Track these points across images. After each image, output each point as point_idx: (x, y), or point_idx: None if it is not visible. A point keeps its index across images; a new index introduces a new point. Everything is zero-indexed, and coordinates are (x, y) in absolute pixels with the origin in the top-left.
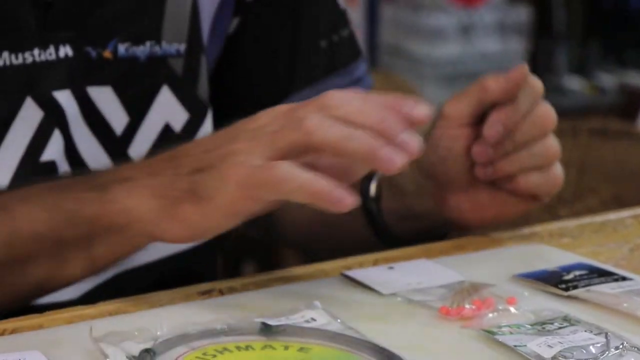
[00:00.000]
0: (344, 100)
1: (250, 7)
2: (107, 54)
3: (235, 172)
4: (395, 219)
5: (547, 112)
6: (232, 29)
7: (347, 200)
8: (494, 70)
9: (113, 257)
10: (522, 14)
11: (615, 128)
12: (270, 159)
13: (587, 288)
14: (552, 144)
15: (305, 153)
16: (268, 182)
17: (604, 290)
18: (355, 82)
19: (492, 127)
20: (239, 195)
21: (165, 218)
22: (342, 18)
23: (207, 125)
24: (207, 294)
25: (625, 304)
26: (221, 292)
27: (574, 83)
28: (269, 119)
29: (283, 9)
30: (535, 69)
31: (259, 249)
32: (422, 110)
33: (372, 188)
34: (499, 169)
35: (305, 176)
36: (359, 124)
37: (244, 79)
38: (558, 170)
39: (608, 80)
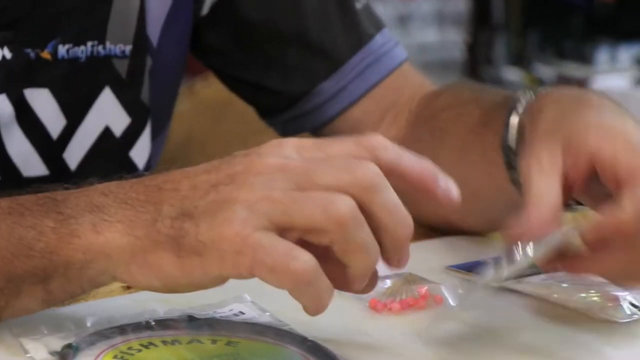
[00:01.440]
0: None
1: None
2: (46, 54)
3: (230, 231)
4: None
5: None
6: (206, 10)
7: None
8: (432, 62)
9: (71, 293)
10: (460, 4)
11: None
12: (278, 225)
13: (519, 279)
14: None
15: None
16: (267, 262)
17: (536, 281)
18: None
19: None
20: (230, 261)
21: (136, 262)
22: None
23: (148, 131)
24: (132, 287)
25: (555, 295)
26: None
27: (513, 74)
28: (293, 166)
29: None
30: (474, 60)
31: None
32: (453, 191)
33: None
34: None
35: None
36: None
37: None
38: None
39: (547, 71)
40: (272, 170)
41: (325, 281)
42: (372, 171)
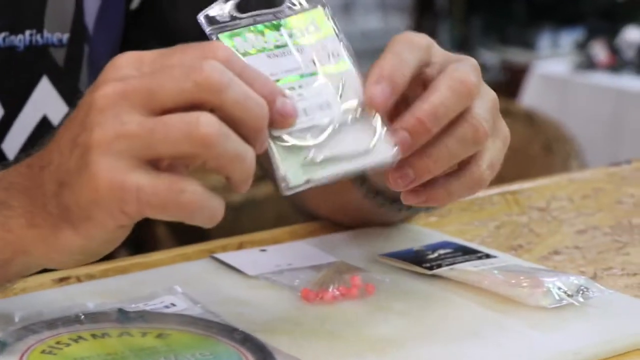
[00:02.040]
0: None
1: None
2: None
3: (102, 185)
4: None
5: (459, 81)
6: (136, 4)
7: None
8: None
9: None
10: None
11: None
12: (145, 160)
13: (451, 267)
14: (479, 119)
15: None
16: (154, 202)
17: (467, 268)
18: None
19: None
20: (118, 213)
21: (51, 248)
22: None
23: None
24: (63, 281)
25: (486, 282)
26: (78, 279)
27: None
28: (133, 88)
29: None
30: None
31: (131, 235)
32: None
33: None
34: (420, 171)
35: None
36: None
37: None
38: (483, 167)
39: (490, 57)
40: (113, 100)
41: (215, 199)
42: (214, 69)
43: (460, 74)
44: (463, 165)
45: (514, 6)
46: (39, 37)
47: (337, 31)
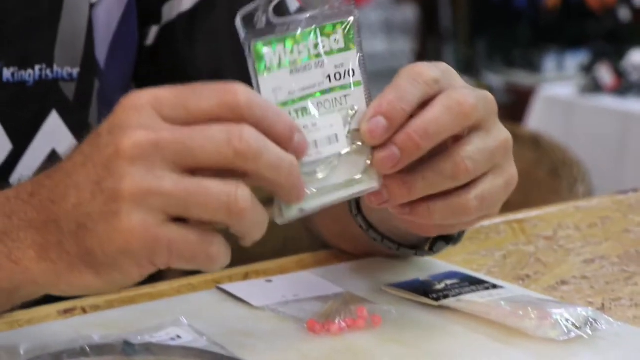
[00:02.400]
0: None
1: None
2: None
3: (134, 237)
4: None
5: (455, 101)
6: (151, 40)
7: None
8: (381, 71)
9: (1, 310)
10: (409, 13)
11: None
12: (175, 216)
13: (458, 297)
14: (464, 155)
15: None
16: (185, 254)
17: (474, 299)
18: None
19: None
20: (147, 263)
21: (63, 282)
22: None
23: None
24: (68, 312)
25: (493, 313)
26: (84, 310)
27: None
28: (167, 142)
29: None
30: None
31: None
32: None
33: (353, 204)
34: (395, 195)
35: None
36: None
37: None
38: (470, 195)
39: (495, 79)
40: (145, 152)
41: (228, 250)
42: (250, 137)
43: (459, 95)
44: (450, 191)
45: (518, 28)
46: (48, 71)
47: (359, 47)
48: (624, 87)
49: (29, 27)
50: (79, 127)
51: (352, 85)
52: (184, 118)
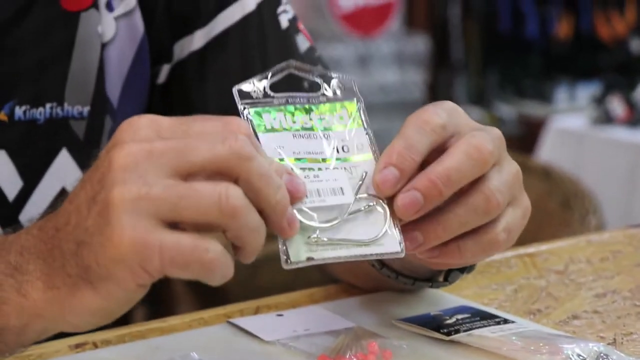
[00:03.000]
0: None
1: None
2: (3, 116)
3: (125, 243)
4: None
5: (474, 148)
6: (163, 78)
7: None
8: (393, 102)
9: (11, 351)
10: (420, 45)
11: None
12: (166, 222)
13: (469, 332)
14: (492, 189)
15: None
16: (178, 261)
17: (485, 334)
18: None
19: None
20: (140, 271)
21: (67, 311)
22: (306, 60)
23: None
24: (80, 347)
25: (505, 348)
26: (95, 345)
27: (474, 114)
28: (160, 149)
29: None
30: (435, 100)
31: (149, 293)
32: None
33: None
34: (429, 237)
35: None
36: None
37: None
38: (498, 229)
39: (507, 110)
40: (137, 159)
41: (229, 258)
42: (245, 139)
43: (477, 141)
44: (479, 227)
45: (530, 59)
46: (59, 109)
47: (365, 125)
48: (635, 118)
49: (41, 66)
50: (89, 165)
51: (361, 158)
52: (183, 135)
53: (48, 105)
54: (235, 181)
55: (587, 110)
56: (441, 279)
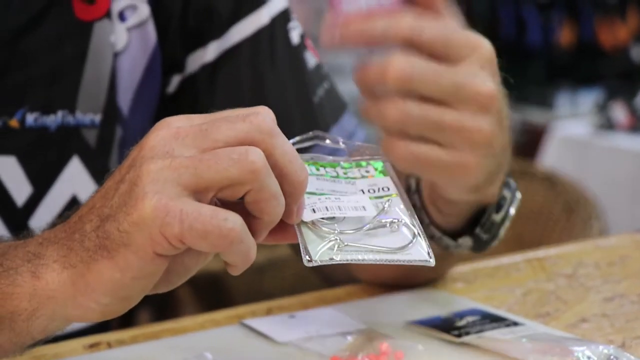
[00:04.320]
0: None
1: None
2: (14, 123)
3: (148, 208)
4: (441, 219)
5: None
6: (173, 88)
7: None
8: None
9: (21, 345)
10: None
11: (515, 167)
12: (191, 189)
13: (480, 334)
14: (480, 119)
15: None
16: (197, 228)
17: (496, 336)
18: (349, 137)
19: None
20: (159, 237)
21: (80, 291)
22: (314, 77)
23: None
24: (94, 347)
25: (515, 350)
26: (109, 345)
27: None
28: (187, 131)
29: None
30: None
31: (154, 295)
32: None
33: (413, 182)
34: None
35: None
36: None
37: None
38: (473, 156)
39: (510, 117)
40: (166, 140)
41: (250, 237)
42: (269, 118)
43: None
44: None
45: (532, 66)
46: (70, 117)
47: (392, 177)
48: (638, 125)
49: (53, 74)
50: (100, 174)
51: (387, 195)
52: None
53: (60, 113)
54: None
55: (589, 116)
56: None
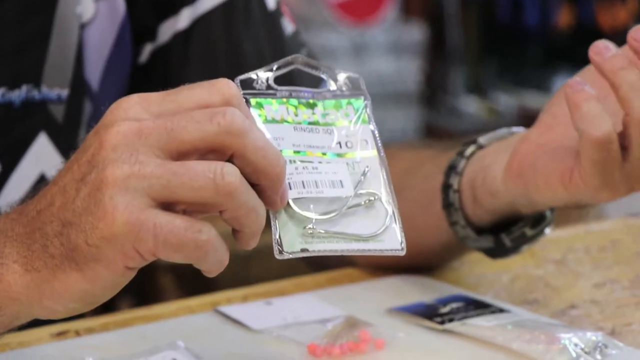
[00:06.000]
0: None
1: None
2: None
3: (118, 222)
4: (473, 209)
5: None
6: (144, 58)
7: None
8: (389, 91)
9: None
10: (416, 33)
11: None
12: (160, 201)
13: (463, 321)
14: None
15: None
16: (172, 241)
17: (480, 323)
18: None
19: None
20: (131, 252)
21: (46, 295)
22: (292, 43)
23: None
24: (61, 335)
25: (500, 337)
26: (77, 333)
27: (471, 104)
28: (150, 128)
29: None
30: (431, 90)
31: (134, 281)
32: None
33: (455, 181)
34: None
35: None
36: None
37: None
38: None
39: (506, 101)
40: (127, 139)
41: (224, 244)
42: (234, 114)
43: None
44: None
45: (530, 48)
46: (35, 92)
47: (371, 123)
48: None
49: (19, 48)
50: (69, 150)
51: (366, 154)
52: (173, 110)
53: (24, 88)
54: (231, 157)
55: None
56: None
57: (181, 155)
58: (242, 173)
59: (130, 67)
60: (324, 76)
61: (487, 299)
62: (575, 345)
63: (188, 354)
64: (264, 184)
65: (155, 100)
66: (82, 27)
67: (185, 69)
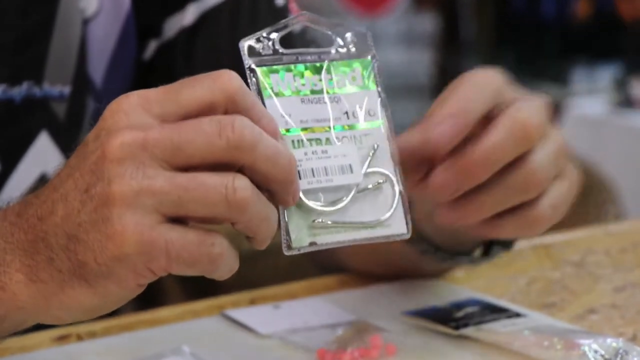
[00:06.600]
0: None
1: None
2: None
3: (129, 242)
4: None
5: (520, 124)
6: (149, 54)
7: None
8: (400, 83)
9: None
10: (428, 24)
11: None
12: (170, 216)
13: (479, 326)
14: (534, 167)
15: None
16: (185, 257)
17: (496, 328)
18: None
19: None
20: (144, 270)
21: (53, 306)
22: (300, 42)
23: None
24: (63, 339)
25: (516, 343)
26: (79, 337)
27: None
28: (154, 140)
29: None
30: (444, 80)
31: None
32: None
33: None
34: (463, 214)
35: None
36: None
37: None
38: (542, 206)
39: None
40: (132, 152)
41: (234, 251)
42: (243, 126)
43: (523, 116)
44: (521, 204)
45: (546, 39)
46: (37, 89)
47: (379, 86)
48: None
49: (20, 44)
50: (71, 150)
51: (373, 125)
52: (175, 112)
53: (25, 84)
54: (241, 167)
55: (606, 93)
56: (479, 254)
57: (189, 167)
58: (252, 180)
59: (135, 64)
60: (330, 33)
61: (503, 302)
62: (595, 351)
63: (193, 359)
64: (276, 188)
65: (156, 99)
66: (86, 22)
67: (191, 65)
